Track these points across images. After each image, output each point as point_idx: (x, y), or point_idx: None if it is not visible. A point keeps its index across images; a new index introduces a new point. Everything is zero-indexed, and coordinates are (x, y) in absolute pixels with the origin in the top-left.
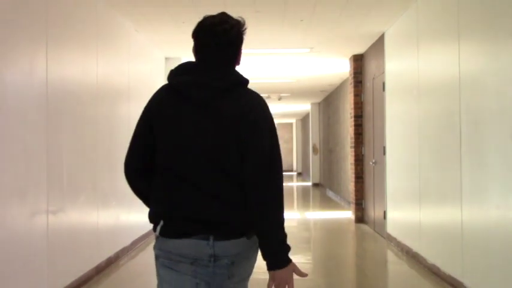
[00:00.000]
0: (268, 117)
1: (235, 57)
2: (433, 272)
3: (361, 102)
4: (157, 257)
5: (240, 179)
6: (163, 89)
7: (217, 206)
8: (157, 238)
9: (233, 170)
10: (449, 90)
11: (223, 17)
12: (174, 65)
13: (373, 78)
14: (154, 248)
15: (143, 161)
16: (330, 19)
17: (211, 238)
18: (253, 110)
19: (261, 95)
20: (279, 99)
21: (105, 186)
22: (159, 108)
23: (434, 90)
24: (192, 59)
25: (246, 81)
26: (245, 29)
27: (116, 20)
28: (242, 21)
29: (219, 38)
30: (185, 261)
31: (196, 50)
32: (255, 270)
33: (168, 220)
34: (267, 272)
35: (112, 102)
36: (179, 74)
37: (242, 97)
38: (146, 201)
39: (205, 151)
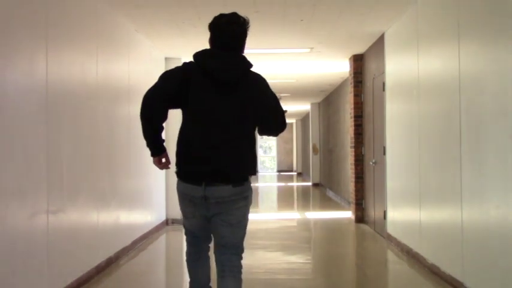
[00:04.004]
0: (269, 88)
1: (242, 47)
2: (433, 272)
3: (361, 102)
4: (176, 189)
5: (243, 142)
6: (192, 65)
7: (220, 164)
8: (177, 177)
9: (240, 134)
10: (449, 90)
11: (234, 18)
12: (174, 65)
13: (373, 78)
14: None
15: (163, 103)
16: (330, 19)
17: (203, 184)
18: (261, 86)
19: None
20: (279, 99)
21: (105, 186)
22: (194, 76)
23: (434, 90)
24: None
25: (252, 65)
26: (249, 26)
27: (116, 20)
28: (247, 20)
29: (231, 34)
30: (187, 198)
31: (213, 42)
32: (254, 270)
33: (181, 168)
34: (266, 272)
35: (112, 102)
36: (206, 59)
37: (252, 78)
38: (149, 137)
39: (222, 120)
